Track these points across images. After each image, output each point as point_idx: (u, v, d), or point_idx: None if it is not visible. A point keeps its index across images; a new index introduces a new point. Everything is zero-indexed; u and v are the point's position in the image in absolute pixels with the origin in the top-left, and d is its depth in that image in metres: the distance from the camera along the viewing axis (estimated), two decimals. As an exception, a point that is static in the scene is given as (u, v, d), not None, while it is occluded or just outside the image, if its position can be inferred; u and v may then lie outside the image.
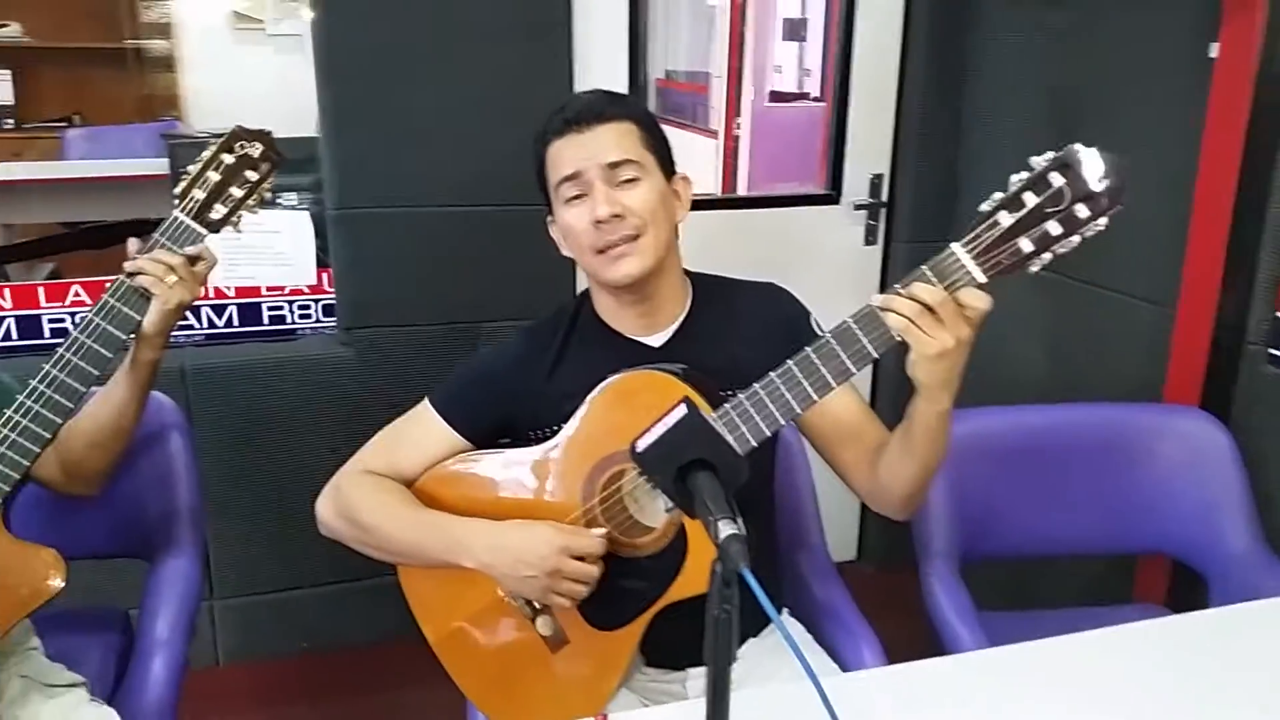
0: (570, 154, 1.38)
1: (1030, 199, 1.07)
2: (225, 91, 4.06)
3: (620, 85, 2.56)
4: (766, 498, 1.58)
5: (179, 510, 1.74)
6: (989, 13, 2.60)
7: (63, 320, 2.33)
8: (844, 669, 1.51)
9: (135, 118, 4.51)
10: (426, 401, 1.50)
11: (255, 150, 1.46)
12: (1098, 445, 1.96)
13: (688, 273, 1.51)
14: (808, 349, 1.18)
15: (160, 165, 2.94)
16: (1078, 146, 1.06)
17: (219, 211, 1.45)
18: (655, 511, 1.36)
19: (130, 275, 1.41)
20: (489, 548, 1.37)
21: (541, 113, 1.44)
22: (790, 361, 1.19)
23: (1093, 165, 1.06)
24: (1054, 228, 1.07)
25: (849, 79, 2.76)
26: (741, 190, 4.37)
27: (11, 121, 4.65)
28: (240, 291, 2.43)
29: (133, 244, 1.44)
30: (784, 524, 1.72)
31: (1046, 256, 1.09)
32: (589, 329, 1.49)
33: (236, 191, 1.45)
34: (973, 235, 1.10)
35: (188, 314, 1.47)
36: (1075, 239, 1.07)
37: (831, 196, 2.85)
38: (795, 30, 4.60)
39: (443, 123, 2.37)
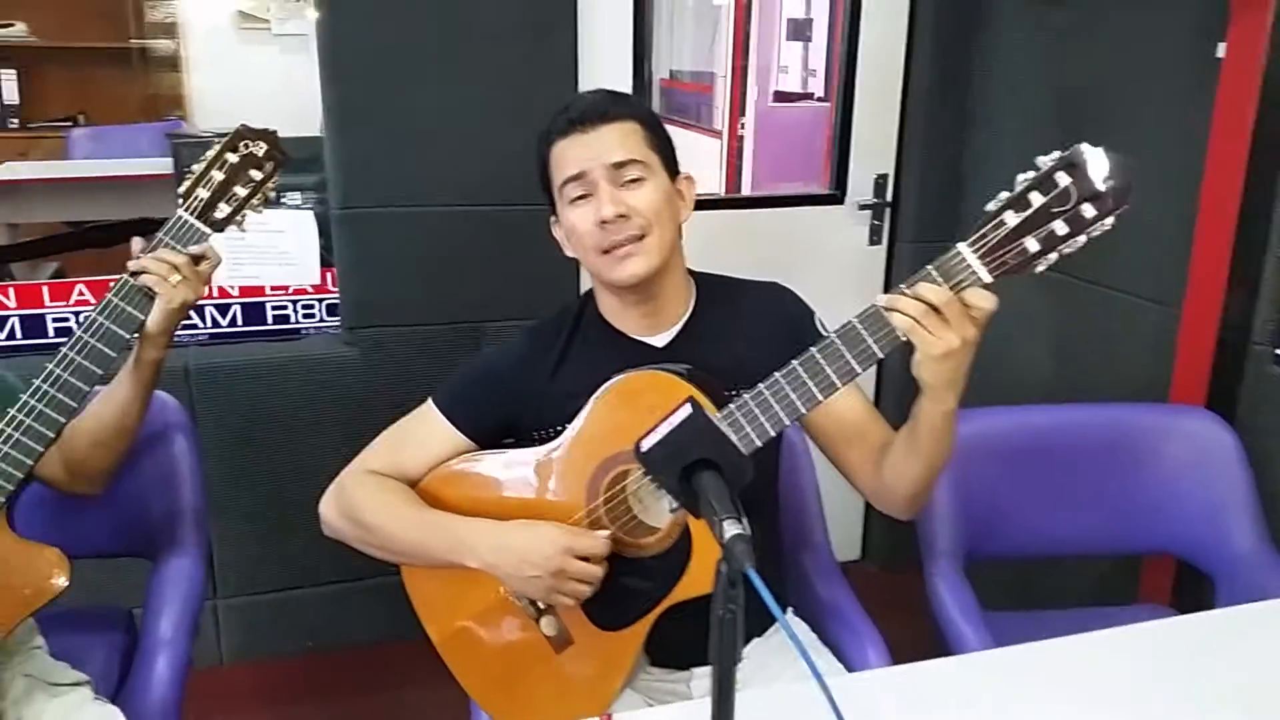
0: (574, 154, 1.37)
1: (1036, 199, 1.07)
2: (230, 91, 4.06)
3: (624, 85, 2.56)
4: (770, 497, 1.58)
5: (182, 510, 1.74)
6: (994, 12, 2.60)
7: (67, 319, 2.33)
8: (849, 669, 1.51)
9: (140, 117, 4.51)
10: (430, 401, 1.50)
11: (260, 149, 1.46)
12: (1103, 445, 1.95)
13: (691, 272, 1.51)
14: (812, 349, 1.18)
15: (165, 165, 2.94)
16: (1084, 146, 1.06)
17: (223, 211, 1.45)
18: (660, 512, 1.36)
19: (134, 274, 1.41)
20: (493, 547, 1.37)
21: (545, 113, 1.43)
22: (795, 362, 1.19)
23: (1099, 165, 1.05)
24: (1060, 227, 1.07)
25: (854, 79, 2.76)
26: (745, 190, 4.36)
27: (16, 121, 4.65)
28: (244, 291, 2.43)
29: (137, 243, 1.44)
30: (788, 523, 1.72)
31: (1053, 256, 1.09)
32: (593, 329, 1.48)
33: (241, 191, 1.45)
34: (979, 235, 1.10)
35: (191, 313, 1.47)
36: (1082, 239, 1.07)
37: (836, 196, 2.85)
38: (800, 30, 4.59)
39: (447, 122, 2.37)
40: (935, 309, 1.11)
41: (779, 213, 2.89)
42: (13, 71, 4.61)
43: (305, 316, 2.49)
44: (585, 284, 1.54)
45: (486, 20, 2.34)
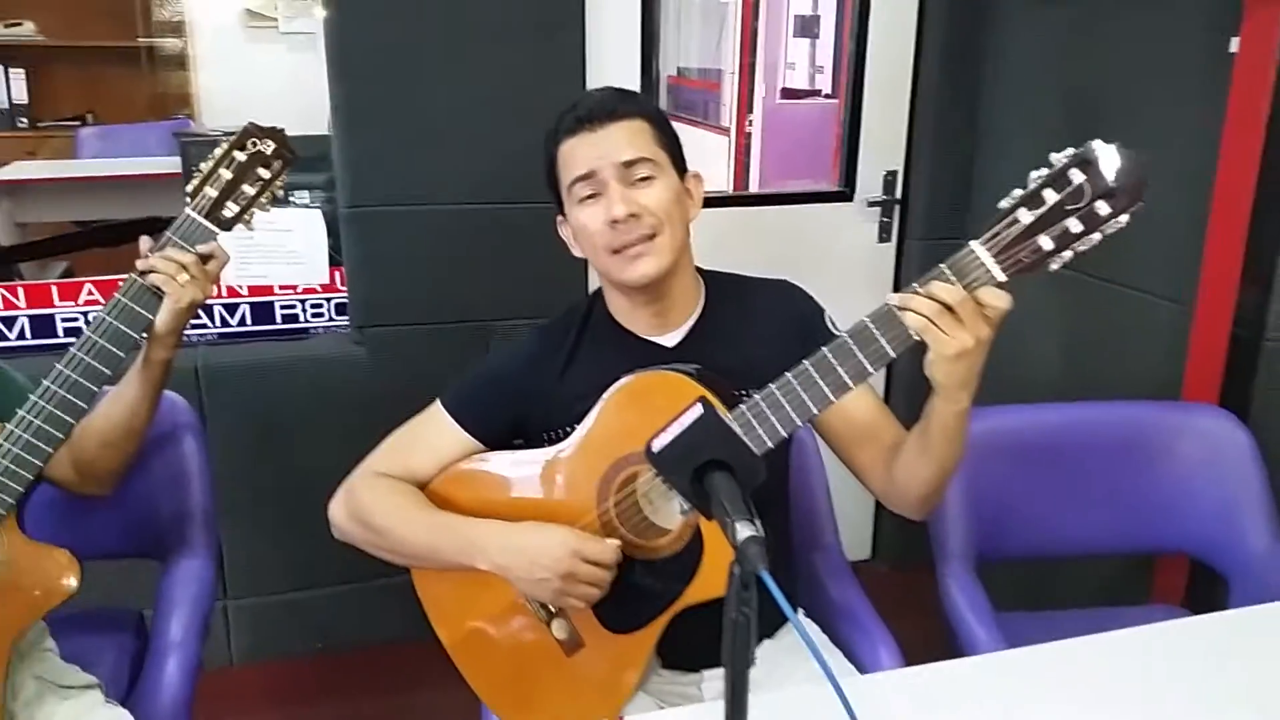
0: (583, 153, 1.36)
1: (1050, 196, 1.06)
2: (238, 89, 4.06)
3: (632, 83, 2.55)
4: (781, 497, 1.57)
5: (192, 511, 1.74)
6: (1004, 7, 2.58)
7: (75, 319, 2.33)
8: (860, 670, 1.50)
9: (148, 116, 4.52)
10: (438, 403, 1.49)
11: (268, 148, 1.45)
12: (1116, 444, 1.94)
13: (700, 271, 1.50)
14: (824, 349, 1.17)
15: (173, 163, 2.94)
16: (1098, 143, 1.05)
17: (231, 209, 1.44)
18: (670, 513, 1.35)
19: (142, 274, 1.41)
20: (503, 549, 1.36)
21: (554, 111, 1.43)
22: (806, 362, 1.18)
23: (1113, 162, 1.04)
24: (1074, 225, 1.06)
25: (863, 75, 2.75)
26: (754, 187, 4.35)
27: (25, 120, 4.66)
28: (253, 290, 2.43)
29: (145, 242, 1.43)
30: (798, 524, 1.71)
31: (1067, 254, 1.07)
32: (601, 329, 1.48)
33: (249, 189, 1.44)
34: (992, 233, 1.09)
35: (200, 313, 1.47)
36: (1096, 236, 1.06)
37: (845, 193, 2.84)
38: (807, 27, 4.58)
39: (455, 121, 2.37)
40: (949, 308, 1.10)
41: (788, 210, 2.88)
42: (21, 71, 4.62)
43: (314, 316, 2.49)
44: (594, 283, 1.54)
45: (494, 18, 2.33)
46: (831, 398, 1.18)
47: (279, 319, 2.47)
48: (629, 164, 1.35)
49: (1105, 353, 2.34)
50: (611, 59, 2.51)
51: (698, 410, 0.98)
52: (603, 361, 1.42)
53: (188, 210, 1.43)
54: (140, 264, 1.41)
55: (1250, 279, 1.94)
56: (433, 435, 1.47)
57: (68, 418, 1.37)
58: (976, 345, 1.11)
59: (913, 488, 1.34)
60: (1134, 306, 2.22)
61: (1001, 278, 1.10)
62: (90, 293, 2.34)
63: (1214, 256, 1.99)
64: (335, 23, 2.28)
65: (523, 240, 2.41)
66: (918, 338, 1.12)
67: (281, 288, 2.45)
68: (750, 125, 4.30)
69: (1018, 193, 1.08)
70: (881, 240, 2.89)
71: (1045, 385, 2.48)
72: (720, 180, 4.23)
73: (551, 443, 1.42)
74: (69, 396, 1.37)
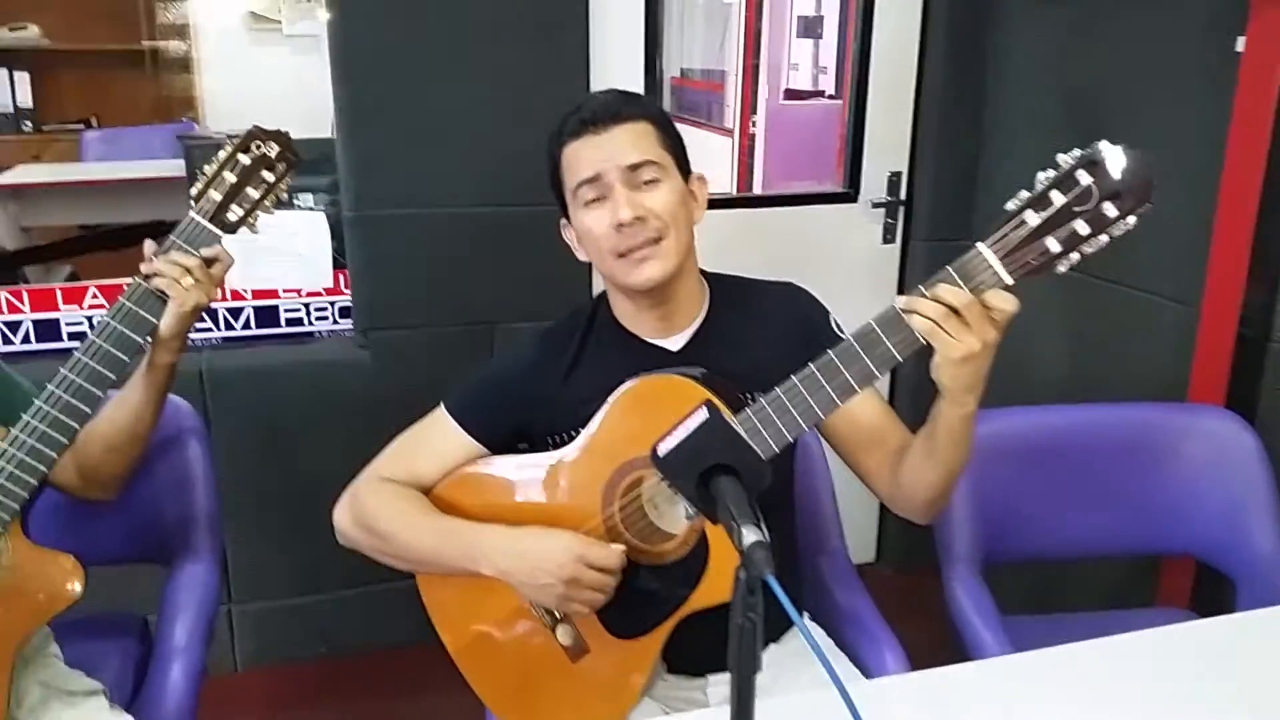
0: (588, 156, 1.36)
1: (1057, 197, 1.05)
2: (241, 92, 4.06)
3: (636, 84, 2.55)
4: (786, 501, 1.57)
5: (196, 515, 1.74)
6: (1008, 7, 2.58)
7: (80, 323, 2.33)
8: (866, 674, 1.50)
9: (152, 119, 4.52)
10: (442, 407, 1.49)
11: (272, 150, 1.45)
12: (1122, 446, 1.94)
13: (704, 273, 1.50)
14: (830, 352, 1.16)
15: (177, 166, 2.94)
16: (1105, 144, 1.04)
17: (235, 213, 1.44)
18: (676, 518, 1.34)
19: (146, 278, 1.40)
20: (507, 554, 1.36)
21: (557, 113, 1.42)
22: (812, 365, 1.17)
23: (1121, 163, 1.03)
24: (1082, 227, 1.05)
25: (867, 76, 2.75)
26: (757, 189, 4.35)
27: (30, 124, 4.66)
28: (257, 293, 2.43)
29: (149, 246, 1.43)
30: (804, 527, 1.70)
31: (1074, 257, 1.07)
32: (606, 332, 1.47)
33: (253, 192, 1.44)
34: (999, 235, 1.08)
35: (204, 316, 1.46)
36: (1103, 238, 1.05)
37: (849, 194, 2.84)
38: (810, 27, 4.57)
39: (459, 123, 2.36)
40: (955, 311, 1.09)
41: (791, 211, 2.87)
42: (26, 74, 4.62)
43: (318, 319, 2.49)
44: (598, 285, 1.53)
45: (497, 20, 2.33)
46: (837, 402, 1.17)
47: (283, 322, 2.47)
48: (634, 167, 1.35)
49: (1111, 354, 2.34)
50: (615, 60, 2.51)
51: (703, 414, 0.98)
52: (607, 365, 1.41)
53: (192, 213, 1.43)
54: (144, 268, 1.40)
55: (1256, 280, 1.93)
56: (437, 440, 1.47)
57: (72, 423, 1.37)
58: (983, 349, 1.10)
59: (919, 491, 1.33)
60: (1140, 308, 2.22)
61: (1009, 280, 1.09)
62: (95, 296, 2.34)
63: (1220, 257, 1.99)
64: (339, 25, 2.28)
65: (527, 243, 2.41)
66: (924, 341, 1.12)
67: (285, 291, 2.45)
68: (754, 126, 4.30)
69: (1024, 194, 1.07)
70: (886, 241, 2.89)
71: (1051, 387, 2.47)
72: (724, 181, 4.23)
73: (556, 447, 1.41)
74: (73, 401, 1.37)
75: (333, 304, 2.48)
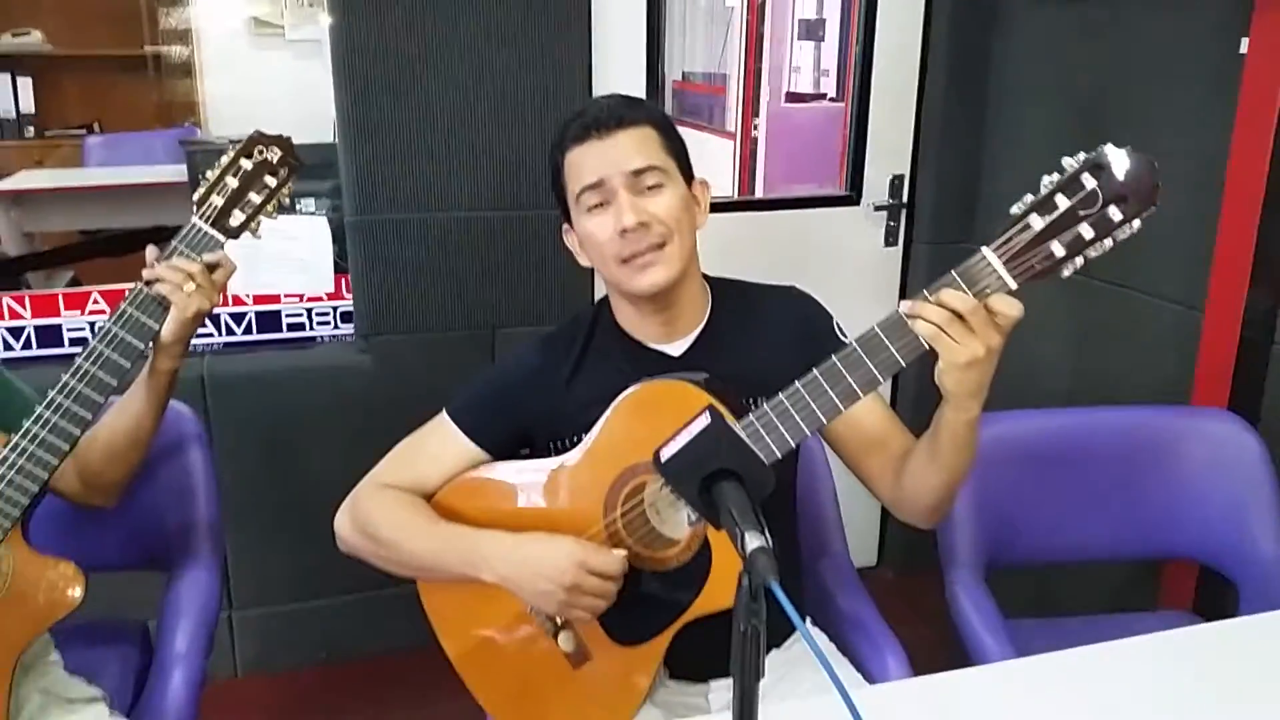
0: (592, 162, 1.35)
1: (1062, 201, 1.05)
2: (244, 97, 4.06)
3: (638, 87, 2.55)
4: (789, 505, 1.56)
5: (197, 522, 1.74)
6: (1011, 10, 2.58)
7: (82, 329, 2.33)
8: (868, 680, 1.49)
9: (155, 124, 4.52)
10: (444, 413, 1.48)
11: (274, 155, 1.44)
12: (1125, 448, 1.93)
13: (707, 278, 1.49)
14: (834, 357, 1.16)
15: (180, 172, 2.94)
16: (1110, 147, 1.04)
17: (237, 218, 1.43)
18: (678, 523, 1.34)
19: (148, 283, 1.40)
20: (507, 561, 1.35)
21: (559, 117, 1.42)
22: (816, 370, 1.17)
23: (1126, 165, 1.03)
24: (1086, 231, 1.05)
25: (869, 79, 2.75)
26: (759, 192, 4.35)
27: (32, 129, 4.66)
28: (258, 299, 2.43)
29: (151, 251, 1.42)
30: (805, 530, 1.70)
31: (1079, 261, 1.06)
32: (607, 337, 1.47)
33: (255, 197, 1.43)
34: (1004, 239, 1.08)
35: (206, 321, 1.46)
36: (1108, 242, 1.05)
37: (851, 198, 2.84)
38: (812, 30, 4.58)
39: (460, 128, 2.36)
40: (959, 316, 1.09)
41: (794, 214, 2.87)
42: (28, 79, 4.62)
43: (320, 324, 2.48)
44: (599, 289, 1.53)
45: (499, 24, 2.33)
46: (841, 407, 1.17)
47: (285, 327, 2.47)
48: (638, 172, 1.34)
49: (1114, 357, 2.33)
50: (617, 64, 2.51)
51: (705, 419, 0.97)
52: (609, 370, 1.41)
53: (194, 219, 1.42)
54: (146, 273, 1.40)
55: (1260, 282, 1.93)
56: (438, 446, 1.46)
57: (74, 429, 1.36)
58: (987, 354, 1.10)
59: (922, 496, 1.33)
60: (1143, 310, 2.21)
61: (1013, 285, 1.09)
62: (96, 302, 2.34)
63: (1223, 260, 1.99)
64: (341, 30, 2.28)
65: (528, 247, 2.41)
66: (928, 346, 1.11)
67: (287, 296, 2.45)
68: (756, 129, 4.30)
69: (1029, 198, 1.07)
70: (888, 244, 2.89)
71: (1054, 390, 2.47)
72: (725, 184, 4.23)
73: (558, 452, 1.41)
74: (75, 408, 1.36)
75: (334, 309, 2.48)
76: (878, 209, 2.84)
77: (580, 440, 1.38)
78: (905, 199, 2.85)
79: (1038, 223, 1.06)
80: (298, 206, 2.40)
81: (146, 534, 1.74)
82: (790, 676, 1.45)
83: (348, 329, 2.50)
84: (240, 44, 4.23)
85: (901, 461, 1.36)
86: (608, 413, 1.35)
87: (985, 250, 1.09)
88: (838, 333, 1.45)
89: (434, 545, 1.40)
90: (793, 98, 4.51)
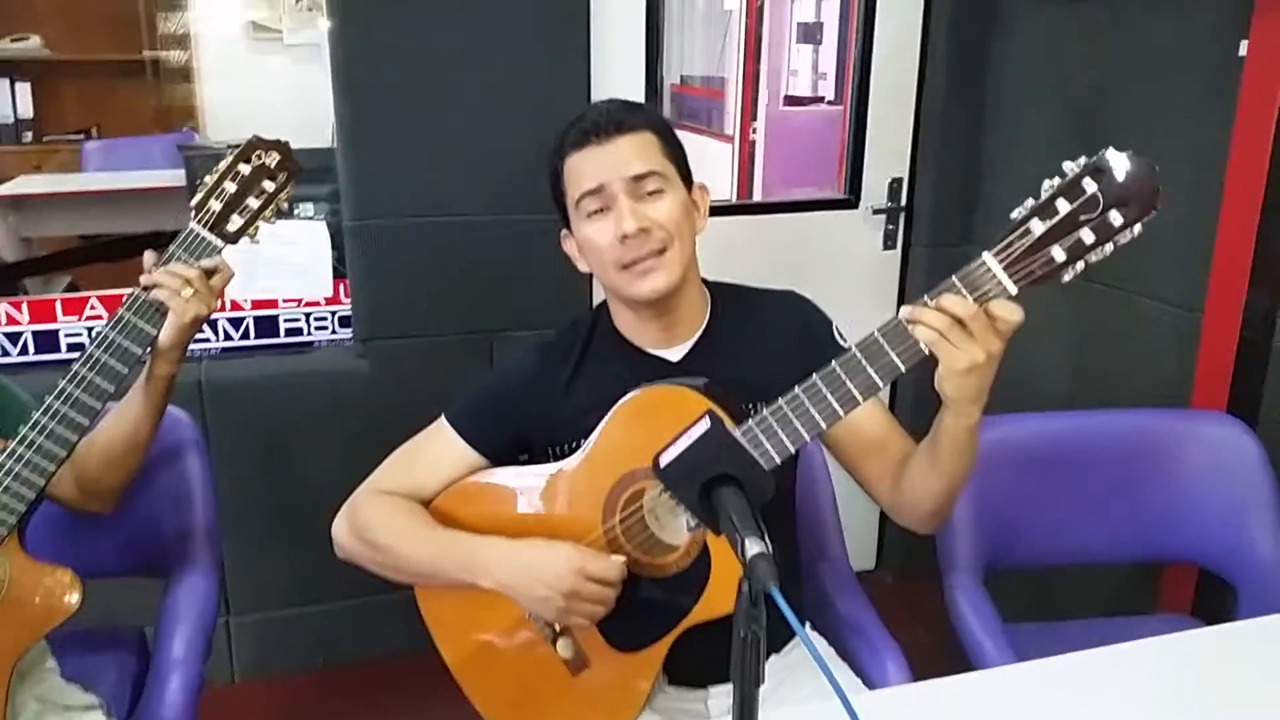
0: (591, 167, 1.34)
1: (1063, 205, 1.04)
2: (242, 102, 4.06)
3: (637, 91, 2.55)
4: (788, 509, 1.56)
5: (195, 528, 1.73)
6: (1010, 12, 2.57)
7: (79, 334, 2.33)
8: (868, 684, 1.49)
9: (153, 129, 4.53)
10: (442, 419, 1.48)
11: (272, 160, 1.44)
12: (1123, 452, 1.93)
13: (705, 282, 1.49)
14: (833, 363, 1.16)
15: (178, 177, 2.94)
16: (1111, 151, 1.03)
17: (235, 223, 1.43)
18: (677, 529, 1.34)
19: (146, 289, 1.39)
20: (505, 567, 1.35)
21: (558, 121, 1.41)
22: (815, 376, 1.17)
23: (1127, 170, 1.03)
24: (1087, 236, 1.04)
25: (868, 82, 2.74)
26: (757, 195, 4.34)
27: (30, 134, 4.66)
28: (256, 303, 2.43)
29: (148, 257, 1.42)
30: (804, 535, 1.70)
31: (1079, 266, 1.06)
32: (606, 343, 1.46)
33: (253, 202, 1.43)
34: (1004, 244, 1.07)
35: (204, 326, 1.45)
36: (1109, 247, 1.04)
37: (850, 201, 2.83)
38: (810, 33, 4.58)
39: (459, 132, 2.36)
40: (960, 321, 1.09)
41: (792, 218, 2.87)
42: (26, 85, 4.63)
43: (318, 328, 2.48)
44: (597, 294, 1.52)
45: (498, 28, 2.33)
46: (841, 413, 1.16)
47: (283, 332, 2.46)
48: (638, 178, 1.34)
49: (1113, 359, 2.33)
50: (615, 68, 2.51)
51: (705, 424, 0.97)
52: (608, 376, 1.40)
53: (192, 224, 1.42)
54: (144, 279, 1.39)
55: (1259, 285, 1.93)
56: (436, 452, 1.46)
57: (71, 435, 1.36)
58: (988, 359, 1.09)
59: (922, 501, 1.33)
60: (1142, 313, 2.21)
61: (1013, 290, 1.08)
62: (94, 307, 2.33)
63: (1222, 262, 1.99)
64: (339, 34, 2.28)
65: (526, 252, 2.40)
66: (928, 351, 1.11)
67: (285, 301, 2.44)
68: (754, 133, 4.29)
69: (1030, 203, 1.06)
70: (887, 248, 2.88)
71: (1052, 392, 2.47)
72: (724, 188, 4.22)
73: (557, 458, 1.40)
74: (72, 414, 1.36)
75: (333, 314, 2.48)
76: (876, 212, 2.84)
77: (579, 446, 1.37)
78: (904, 202, 2.85)
79: (1038, 227, 1.05)
80: (296, 211, 2.40)
81: (144, 540, 1.73)
82: (790, 681, 1.45)
83: (346, 334, 2.49)
84: (239, 49, 4.25)
85: (901, 466, 1.35)
86: (606, 418, 1.34)
87: (986, 255, 1.09)
88: (837, 337, 1.44)
89: (432, 551, 1.40)
90: (791, 101, 4.51)
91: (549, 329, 1.53)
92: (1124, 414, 2.05)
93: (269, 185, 1.44)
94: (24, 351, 2.31)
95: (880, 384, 1.15)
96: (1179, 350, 2.11)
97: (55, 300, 2.33)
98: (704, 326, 1.45)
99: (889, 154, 2.81)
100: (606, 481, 1.34)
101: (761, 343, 1.44)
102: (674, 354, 1.44)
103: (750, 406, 1.26)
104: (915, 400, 2.75)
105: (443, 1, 2.29)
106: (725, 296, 1.49)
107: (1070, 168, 1.05)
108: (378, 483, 1.48)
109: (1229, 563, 1.86)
